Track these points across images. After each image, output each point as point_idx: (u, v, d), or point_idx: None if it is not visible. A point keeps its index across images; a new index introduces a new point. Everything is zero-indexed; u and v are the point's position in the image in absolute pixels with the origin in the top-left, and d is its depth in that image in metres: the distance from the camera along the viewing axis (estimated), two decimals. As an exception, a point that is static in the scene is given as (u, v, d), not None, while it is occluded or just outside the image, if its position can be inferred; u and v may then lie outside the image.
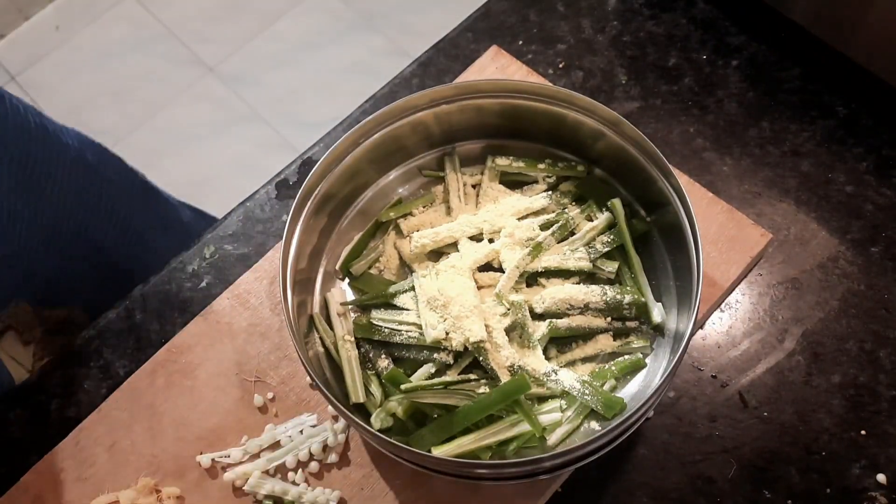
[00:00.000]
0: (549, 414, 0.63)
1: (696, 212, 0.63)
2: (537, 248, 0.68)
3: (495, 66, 0.83)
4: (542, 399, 0.65)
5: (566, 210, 0.71)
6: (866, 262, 0.75)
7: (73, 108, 1.98)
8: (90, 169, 0.88)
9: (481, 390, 0.64)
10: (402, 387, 0.63)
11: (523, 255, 0.67)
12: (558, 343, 0.67)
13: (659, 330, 0.67)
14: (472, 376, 0.65)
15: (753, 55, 0.85)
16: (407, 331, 0.66)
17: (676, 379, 0.71)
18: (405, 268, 0.71)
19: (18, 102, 0.80)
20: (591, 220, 0.70)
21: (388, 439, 0.58)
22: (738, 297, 0.74)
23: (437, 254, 0.70)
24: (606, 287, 0.67)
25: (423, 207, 0.73)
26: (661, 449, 0.68)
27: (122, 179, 0.96)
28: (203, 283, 0.78)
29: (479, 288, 0.67)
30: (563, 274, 0.68)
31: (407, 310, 0.68)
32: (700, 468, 0.68)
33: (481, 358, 0.64)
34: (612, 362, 0.66)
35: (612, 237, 0.69)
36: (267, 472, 0.68)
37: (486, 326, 0.64)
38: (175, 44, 2.05)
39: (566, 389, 0.63)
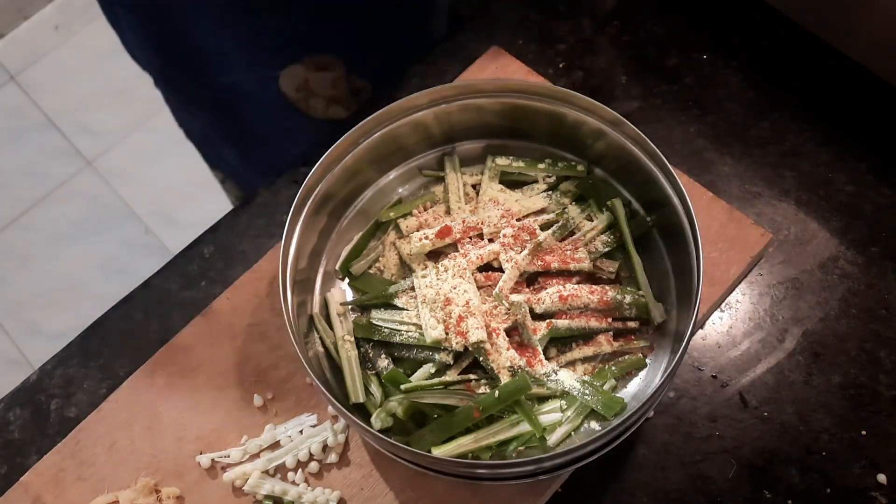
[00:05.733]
0: (549, 414, 0.63)
1: (697, 211, 0.63)
2: (537, 248, 0.68)
3: (495, 66, 0.83)
4: (542, 399, 0.65)
5: (566, 210, 0.71)
6: (866, 261, 0.75)
7: (73, 108, 1.98)
8: None
9: (481, 390, 0.64)
10: (402, 387, 0.63)
11: (523, 255, 0.67)
12: (558, 343, 0.67)
13: (659, 330, 0.67)
14: (472, 376, 0.65)
15: (753, 55, 0.85)
16: (407, 331, 0.66)
17: (676, 379, 0.71)
18: (405, 268, 0.71)
19: None
20: (592, 220, 0.70)
21: (388, 439, 0.58)
22: (739, 297, 0.74)
23: (436, 254, 0.70)
24: (607, 287, 0.67)
25: (423, 207, 0.73)
26: (662, 449, 0.68)
27: None
28: (203, 283, 0.78)
29: (479, 288, 0.67)
30: (563, 274, 0.68)
31: (407, 310, 0.68)
32: (700, 468, 0.68)
33: (481, 358, 0.64)
34: (613, 362, 0.66)
35: (612, 237, 0.69)
36: (267, 472, 0.67)
37: (486, 326, 0.64)
38: (175, 43, 2.04)
39: (566, 389, 0.63)
